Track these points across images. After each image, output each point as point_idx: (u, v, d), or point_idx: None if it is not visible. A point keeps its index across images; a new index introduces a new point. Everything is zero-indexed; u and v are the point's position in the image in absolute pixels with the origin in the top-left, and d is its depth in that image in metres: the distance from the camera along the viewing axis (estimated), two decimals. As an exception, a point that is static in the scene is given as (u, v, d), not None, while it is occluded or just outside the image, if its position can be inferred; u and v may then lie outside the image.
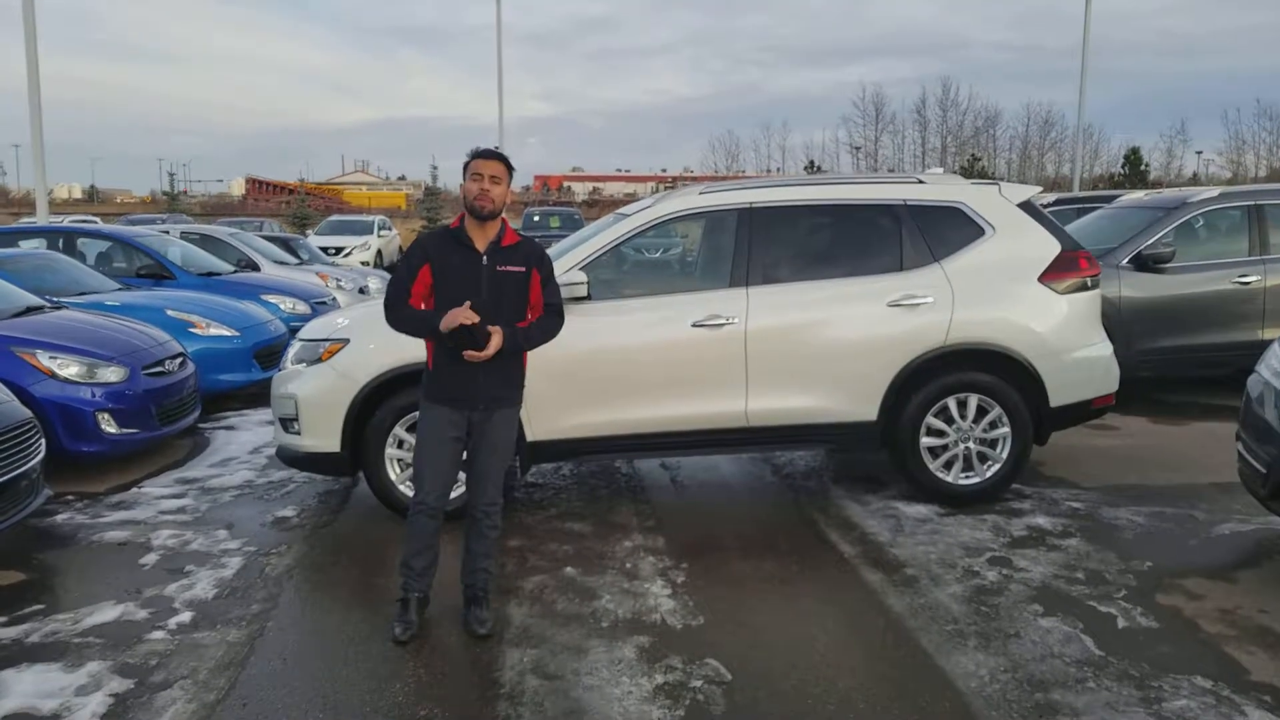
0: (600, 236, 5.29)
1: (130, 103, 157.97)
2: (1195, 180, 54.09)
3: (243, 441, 6.90)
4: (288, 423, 5.13)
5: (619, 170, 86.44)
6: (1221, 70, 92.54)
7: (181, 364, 6.53)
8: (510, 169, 3.59)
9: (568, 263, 5.05)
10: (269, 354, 8.36)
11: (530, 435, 4.99)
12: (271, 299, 10.14)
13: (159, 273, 9.77)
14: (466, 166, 3.55)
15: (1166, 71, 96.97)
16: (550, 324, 3.69)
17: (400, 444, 5.01)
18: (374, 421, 4.97)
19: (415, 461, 3.73)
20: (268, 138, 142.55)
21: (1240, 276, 7.93)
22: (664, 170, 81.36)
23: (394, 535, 4.82)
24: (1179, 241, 8.07)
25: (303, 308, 10.51)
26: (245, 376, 8.08)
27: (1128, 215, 8.88)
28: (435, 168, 39.91)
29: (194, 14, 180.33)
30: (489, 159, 3.55)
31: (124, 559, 4.58)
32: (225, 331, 8.03)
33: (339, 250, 22.37)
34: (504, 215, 3.62)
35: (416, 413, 4.76)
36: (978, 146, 63.55)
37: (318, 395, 4.99)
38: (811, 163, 64.97)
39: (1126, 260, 7.87)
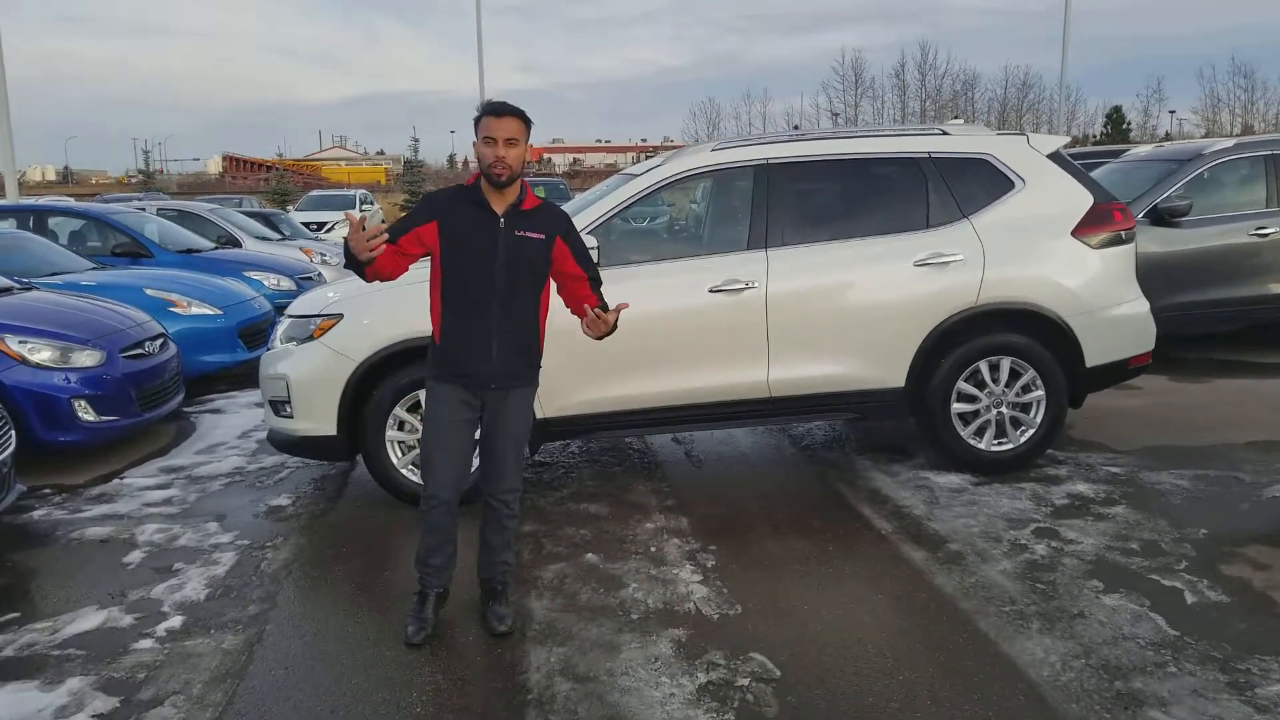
0: (609, 198, 4.93)
1: (103, 80, 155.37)
2: (1168, 139, 53.91)
3: (230, 426, 6.54)
4: (279, 405, 4.78)
5: (599, 141, 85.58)
6: (1199, 32, 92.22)
7: (162, 345, 6.15)
8: (528, 124, 3.14)
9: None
10: (254, 333, 8.00)
11: (540, 413, 4.66)
12: (255, 275, 9.74)
13: (136, 251, 9.34)
14: (477, 124, 3.12)
15: (1144, 34, 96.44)
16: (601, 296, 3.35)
17: (401, 425, 4.67)
18: (372, 402, 4.62)
19: (423, 448, 3.37)
20: (244, 114, 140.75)
21: (1259, 229, 7.65)
22: (644, 140, 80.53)
23: (398, 522, 4.51)
24: (1194, 194, 7.77)
25: (288, 284, 10.12)
26: (230, 357, 7.70)
27: (1139, 169, 8.56)
28: (416, 140, 38.84)
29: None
30: (503, 115, 3.08)
31: (107, 558, 4.24)
32: (208, 310, 7.64)
33: (321, 225, 21.89)
34: (522, 177, 3.23)
35: (418, 392, 4.44)
36: (956, 109, 63.09)
37: (311, 375, 4.64)
38: (795, 126, 64.35)
39: (1141, 215, 7.55)
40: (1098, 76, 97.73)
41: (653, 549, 4.19)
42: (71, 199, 29.20)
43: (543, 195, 3.40)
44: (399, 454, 4.70)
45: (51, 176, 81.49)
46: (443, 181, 52.28)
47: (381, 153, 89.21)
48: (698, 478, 5.27)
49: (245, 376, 7.74)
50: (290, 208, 25.26)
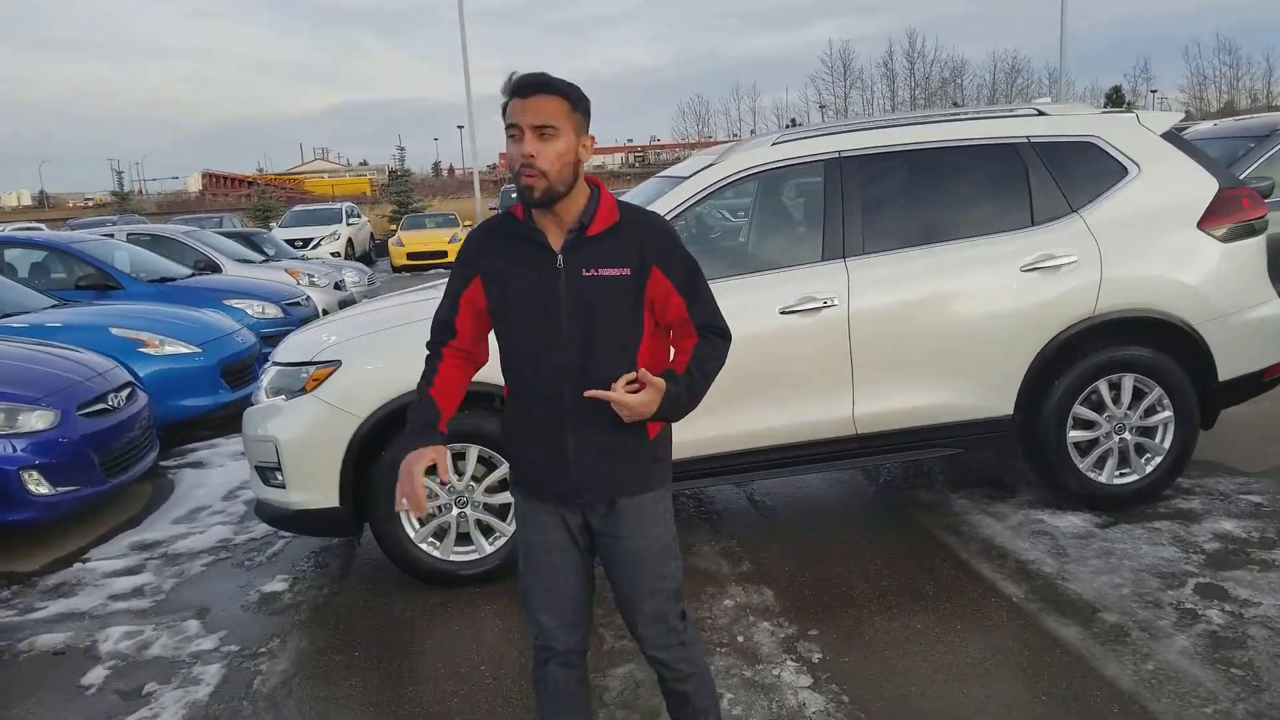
0: (657, 206, 4.11)
1: (78, 102, 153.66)
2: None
3: (215, 483, 5.71)
4: (268, 472, 3.96)
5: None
6: (1184, 10, 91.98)
7: (130, 396, 5.31)
8: (575, 102, 2.05)
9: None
10: (238, 370, 7.16)
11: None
12: (236, 304, 8.89)
13: (103, 283, 8.46)
14: (503, 112, 2.06)
15: (1129, 15, 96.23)
16: (712, 352, 2.18)
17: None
18: (382, 463, 3.81)
19: (522, 578, 2.29)
20: (224, 131, 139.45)
21: (1351, 208, 6.89)
22: (630, 140, 79.82)
23: (417, 610, 3.71)
24: (1274, 173, 7.00)
25: (273, 311, 9.27)
26: (212, 400, 6.86)
27: (1205, 147, 7.80)
28: (401, 149, 37.78)
29: (144, 3, 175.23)
30: (530, 94, 2.02)
31: (61, 678, 3.41)
32: (184, 349, 6.79)
33: (307, 242, 21.02)
34: (584, 178, 2.11)
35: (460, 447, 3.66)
36: (945, 97, 62.60)
37: (305, 436, 3.83)
38: (793, 120, 63.70)
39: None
40: (1084, 59, 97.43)
41: (740, 638, 3.38)
42: (44, 225, 28.33)
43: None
44: (414, 525, 3.89)
45: (27, 201, 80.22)
46: (430, 190, 51.25)
47: (364, 164, 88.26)
48: (770, 531, 4.46)
49: (230, 420, 6.90)
50: (273, 224, 24.36)
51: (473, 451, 3.84)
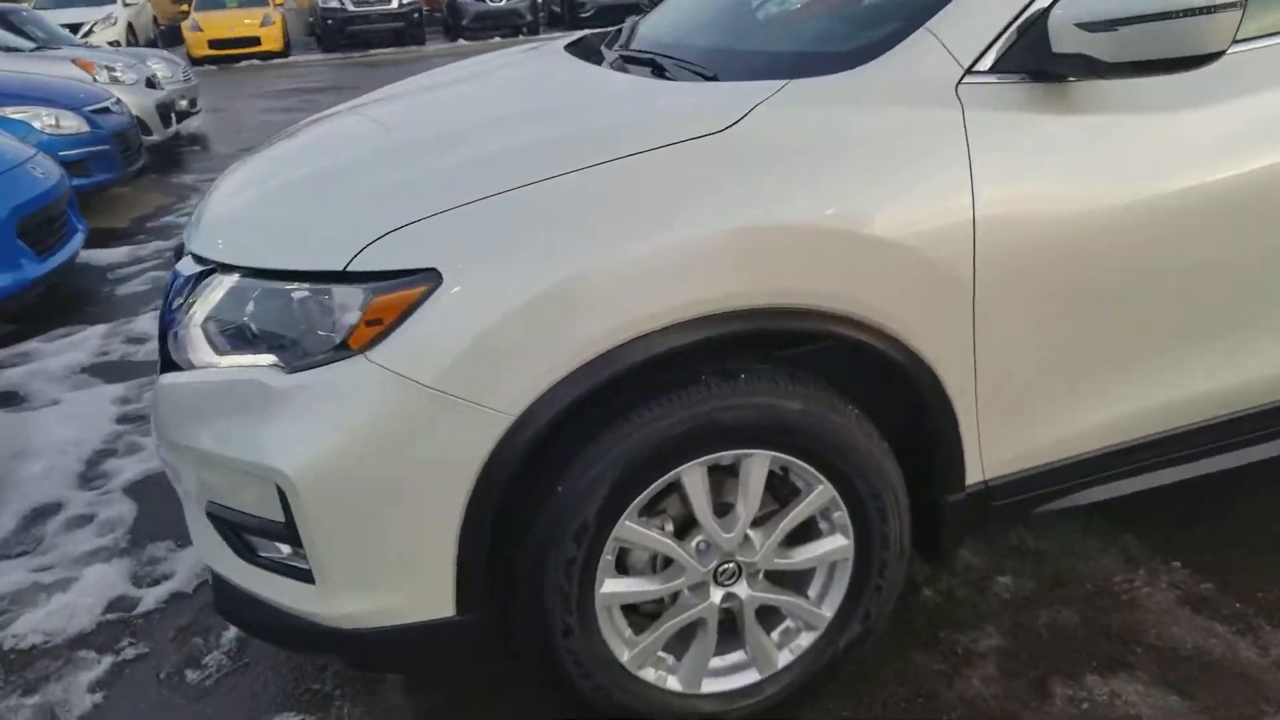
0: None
1: None
2: None
3: (55, 442, 3.24)
4: (256, 537, 1.67)
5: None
6: None
7: None
8: None
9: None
10: (43, 224, 4.46)
11: (978, 471, 1.80)
12: (14, 113, 5.87)
13: None
14: None
15: None
16: None
17: (623, 562, 1.71)
18: (546, 512, 1.60)
19: None
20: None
21: None
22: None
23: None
24: None
25: (73, 122, 6.29)
26: (11, 277, 4.18)
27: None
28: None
29: None
30: None
31: None
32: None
33: (75, 29, 16.47)
34: None
35: (680, 469, 1.53)
36: None
37: (364, 466, 1.51)
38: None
39: None
40: None
41: None
42: None
43: None
44: (625, 633, 1.75)
45: None
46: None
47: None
48: (1227, 549, 2.55)
49: (45, 310, 4.32)
50: (28, 3, 19.21)
51: (757, 466, 1.68)
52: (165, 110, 8.80)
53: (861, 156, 1.60)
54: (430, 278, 1.49)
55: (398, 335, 1.49)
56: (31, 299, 4.35)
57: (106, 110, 6.72)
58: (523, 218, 1.52)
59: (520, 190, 1.54)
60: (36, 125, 5.98)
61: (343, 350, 1.51)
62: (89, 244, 5.09)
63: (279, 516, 1.58)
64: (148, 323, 4.44)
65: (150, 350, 4.10)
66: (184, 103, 9.89)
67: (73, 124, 6.26)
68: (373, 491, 1.53)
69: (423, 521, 1.55)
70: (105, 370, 3.89)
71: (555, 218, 1.52)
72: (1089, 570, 2.23)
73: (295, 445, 1.51)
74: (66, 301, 4.75)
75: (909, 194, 1.60)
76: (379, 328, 1.49)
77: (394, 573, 1.59)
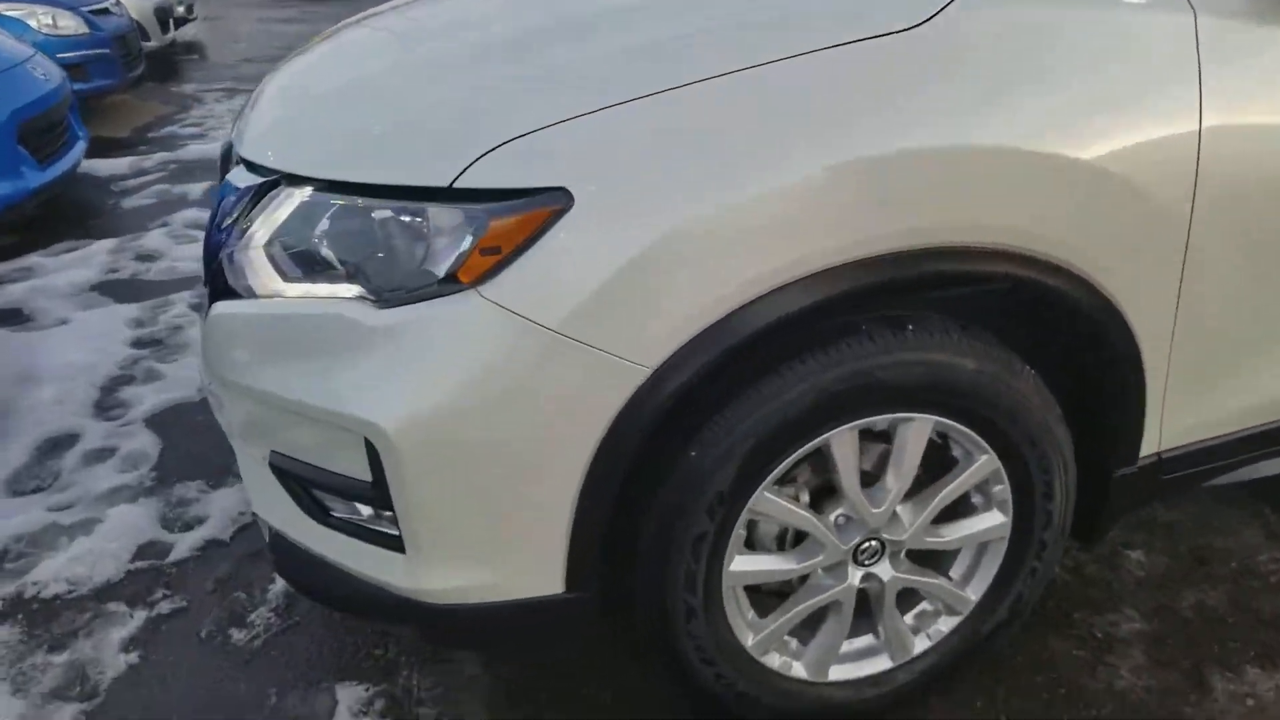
0: None
1: None
2: None
3: (63, 367, 2.99)
4: (333, 497, 1.44)
5: None
6: None
7: None
8: None
9: None
10: (45, 130, 4.14)
11: (1155, 441, 1.58)
12: (10, 11, 5.47)
13: None
14: None
15: None
16: None
17: (751, 536, 1.49)
18: (681, 479, 1.36)
19: None
20: None
21: None
22: None
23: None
24: None
25: (70, 22, 5.90)
26: (12, 186, 3.88)
27: None
28: None
29: None
30: None
31: None
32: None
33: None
34: None
35: (827, 435, 1.29)
36: None
37: (470, 423, 1.27)
38: None
39: None
40: None
41: None
42: None
43: None
44: (748, 615, 1.53)
45: None
46: None
47: None
48: None
49: (46, 220, 4.04)
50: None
51: (916, 433, 1.44)
52: (163, 15, 8.35)
53: (1076, 68, 1.33)
54: (558, 198, 1.23)
55: (517, 268, 1.23)
56: (32, 209, 4.06)
57: (106, 11, 6.31)
58: (670, 130, 1.26)
59: (667, 94, 1.27)
60: (33, 24, 5.59)
61: (450, 283, 1.26)
62: (88, 154, 4.76)
63: (365, 475, 1.34)
64: (158, 239, 4.15)
65: (164, 269, 3.82)
66: (181, 9, 9.40)
67: (71, 24, 5.87)
68: (482, 451, 1.29)
69: (537, 488, 1.32)
70: (116, 289, 3.62)
71: (709, 131, 1.25)
72: (1231, 547, 2.03)
73: (393, 395, 1.27)
74: (69, 214, 4.45)
75: (1127, 113, 1.34)
76: (495, 257, 1.24)
77: (498, 544, 1.36)
